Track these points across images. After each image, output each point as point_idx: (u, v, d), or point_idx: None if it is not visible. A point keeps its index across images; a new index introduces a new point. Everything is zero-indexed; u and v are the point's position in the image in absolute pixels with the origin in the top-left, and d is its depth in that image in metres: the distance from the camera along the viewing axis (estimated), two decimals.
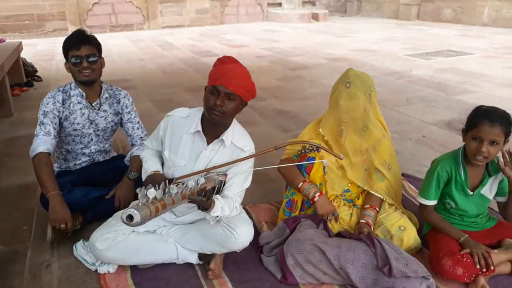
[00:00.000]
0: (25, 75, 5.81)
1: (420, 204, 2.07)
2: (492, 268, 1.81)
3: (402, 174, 2.88)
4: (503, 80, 5.48)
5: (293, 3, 14.06)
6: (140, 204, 1.37)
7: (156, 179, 1.85)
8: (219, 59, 1.90)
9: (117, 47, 9.05)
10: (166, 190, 1.48)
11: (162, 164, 2.07)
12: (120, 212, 2.03)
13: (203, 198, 1.63)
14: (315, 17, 13.16)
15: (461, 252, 1.86)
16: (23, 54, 6.20)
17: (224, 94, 1.79)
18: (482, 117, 1.81)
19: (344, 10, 15.18)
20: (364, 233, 1.98)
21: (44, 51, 8.28)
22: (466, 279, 1.82)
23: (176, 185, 1.54)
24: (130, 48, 8.98)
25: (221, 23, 12.97)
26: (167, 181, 1.78)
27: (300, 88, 5.45)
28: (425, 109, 4.43)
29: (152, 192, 1.40)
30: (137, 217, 1.31)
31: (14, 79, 5.41)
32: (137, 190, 1.41)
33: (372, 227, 2.05)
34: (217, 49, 8.55)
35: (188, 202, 1.64)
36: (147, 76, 6.35)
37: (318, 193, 2.05)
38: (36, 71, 6.24)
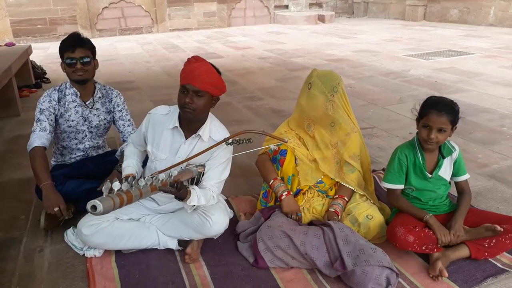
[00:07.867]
0: (34, 77, 6.06)
1: (388, 190, 2.18)
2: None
3: (383, 169, 2.99)
4: (498, 79, 5.53)
5: (300, 5, 14.20)
6: (104, 196, 1.49)
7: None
8: (187, 59, 2.02)
9: (125, 50, 9.28)
10: (134, 182, 1.59)
11: (147, 158, 2.22)
12: None
13: (173, 189, 1.75)
14: (321, 19, 13.27)
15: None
16: (33, 57, 6.46)
17: (193, 91, 1.92)
18: (430, 107, 1.99)
19: (351, 12, 15.25)
20: (333, 220, 2.11)
21: (55, 54, 8.43)
22: (417, 247, 1.94)
23: (145, 178, 1.66)
24: (138, 50, 9.20)
25: (229, 25, 13.17)
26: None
27: (297, 88, 5.51)
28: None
29: (116, 185, 1.52)
30: (99, 207, 1.43)
31: (23, 81, 5.66)
32: (105, 183, 1.53)
33: (340, 215, 2.18)
34: (221, 51, 8.72)
35: (163, 192, 1.76)
36: (151, 77, 6.55)
37: (286, 192, 2.20)
38: (45, 73, 6.49)
